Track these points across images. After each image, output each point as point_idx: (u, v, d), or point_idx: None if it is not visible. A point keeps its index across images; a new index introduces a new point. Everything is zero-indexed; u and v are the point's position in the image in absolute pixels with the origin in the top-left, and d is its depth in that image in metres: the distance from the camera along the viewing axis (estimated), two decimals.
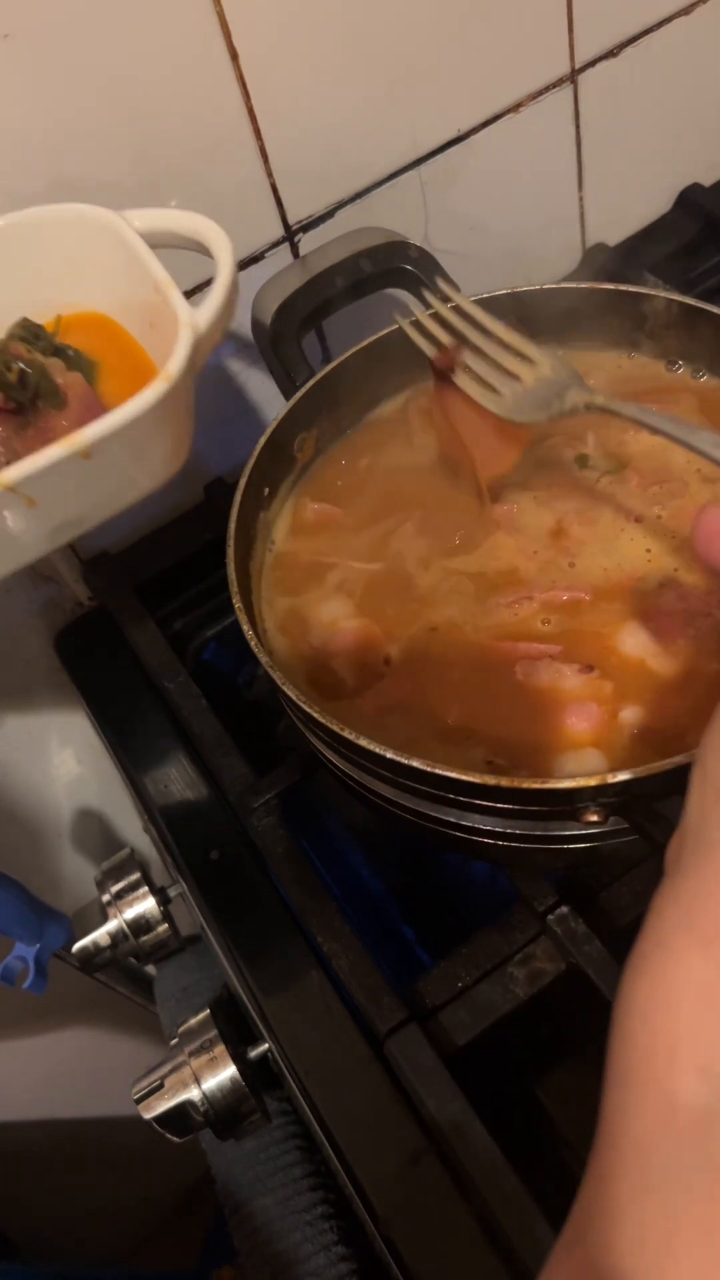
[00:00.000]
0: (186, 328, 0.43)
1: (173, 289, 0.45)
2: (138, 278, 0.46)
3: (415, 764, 0.40)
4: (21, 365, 0.45)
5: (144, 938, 0.64)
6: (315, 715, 0.43)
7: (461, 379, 0.49)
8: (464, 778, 0.39)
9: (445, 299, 0.52)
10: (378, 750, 0.41)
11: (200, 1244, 1.27)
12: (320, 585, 0.53)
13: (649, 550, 0.49)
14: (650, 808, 0.38)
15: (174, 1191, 1.27)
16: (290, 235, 0.62)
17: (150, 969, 0.81)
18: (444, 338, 0.50)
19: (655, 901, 0.22)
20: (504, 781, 0.39)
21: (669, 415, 0.42)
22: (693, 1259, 0.18)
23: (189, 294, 0.45)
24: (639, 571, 0.48)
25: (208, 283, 0.47)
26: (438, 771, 0.40)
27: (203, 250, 0.48)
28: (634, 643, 0.46)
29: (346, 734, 0.42)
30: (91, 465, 0.42)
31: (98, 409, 0.43)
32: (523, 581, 0.50)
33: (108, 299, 0.50)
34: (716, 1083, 0.19)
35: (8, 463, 0.42)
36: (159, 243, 0.47)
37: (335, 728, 0.42)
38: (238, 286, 0.46)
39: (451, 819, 0.44)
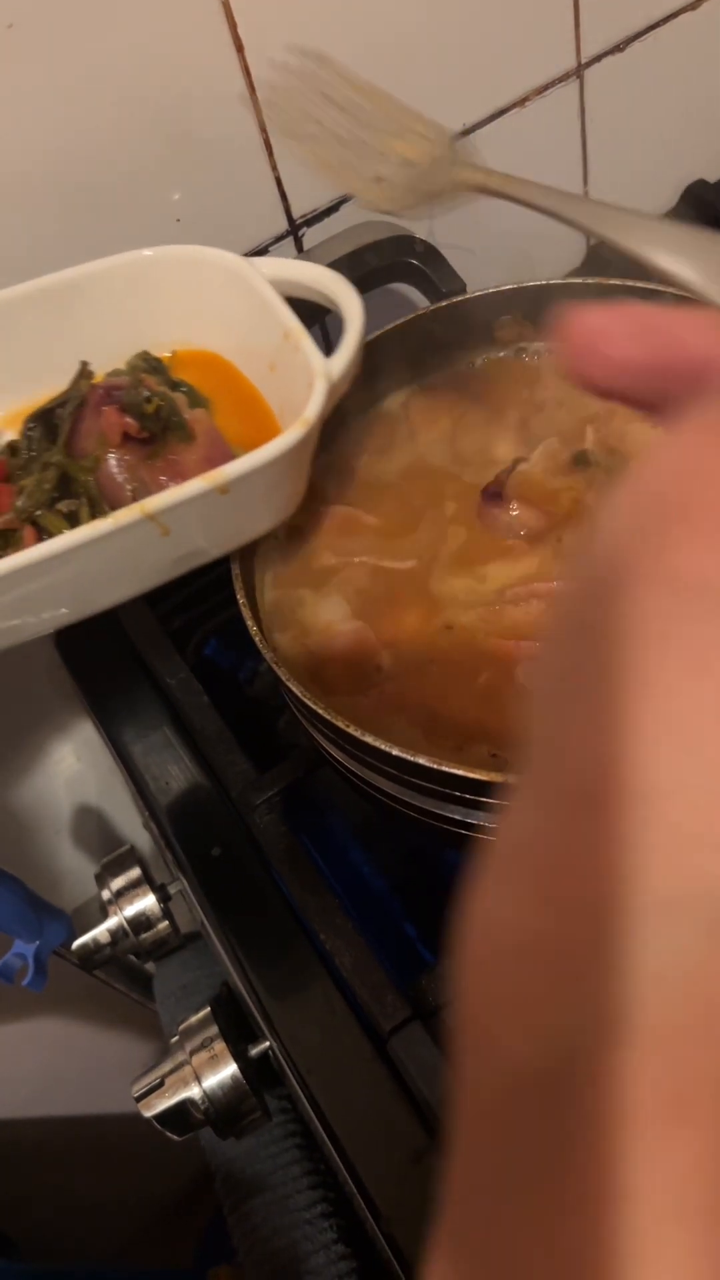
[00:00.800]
0: (322, 377, 0.45)
1: (305, 338, 0.47)
2: (265, 325, 0.48)
3: (421, 761, 0.40)
4: (158, 398, 0.47)
5: (144, 935, 0.64)
6: (320, 711, 0.42)
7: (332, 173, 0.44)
8: (469, 774, 0.39)
9: None
10: (383, 747, 0.41)
11: (197, 1243, 1.27)
12: (322, 583, 0.52)
13: None
14: None
15: (171, 1190, 1.27)
16: (294, 229, 0.62)
17: (150, 967, 0.81)
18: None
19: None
20: (510, 778, 0.38)
21: (569, 195, 0.37)
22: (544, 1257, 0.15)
23: None
24: None
25: None
26: (443, 768, 0.39)
27: (329, 304, 0.49)
28: None
29: (351, 730, 0.41)
30: (226, 501, 0.43)
31: (222, 445, 0.45)
32: (526, 579, 0.49)
33: (226, 341, 0.52)
34: (559, 1041, 0.15)
35: (133, 490, 0.44)
36: (283, 291, 0.49)
37: (340, 724, 0.42)
38: (364, 342, 0.48)
39: (457, 816, 0.44)
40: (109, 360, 0.50)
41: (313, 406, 0.44)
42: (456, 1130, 0.17)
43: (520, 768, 0.18)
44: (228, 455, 0.46)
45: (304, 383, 0.45)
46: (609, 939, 0.15)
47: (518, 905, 0.16)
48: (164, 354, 0.51)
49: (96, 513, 0.45)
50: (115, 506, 0.45)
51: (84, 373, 0.49)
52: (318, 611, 0.51)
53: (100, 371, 0.50)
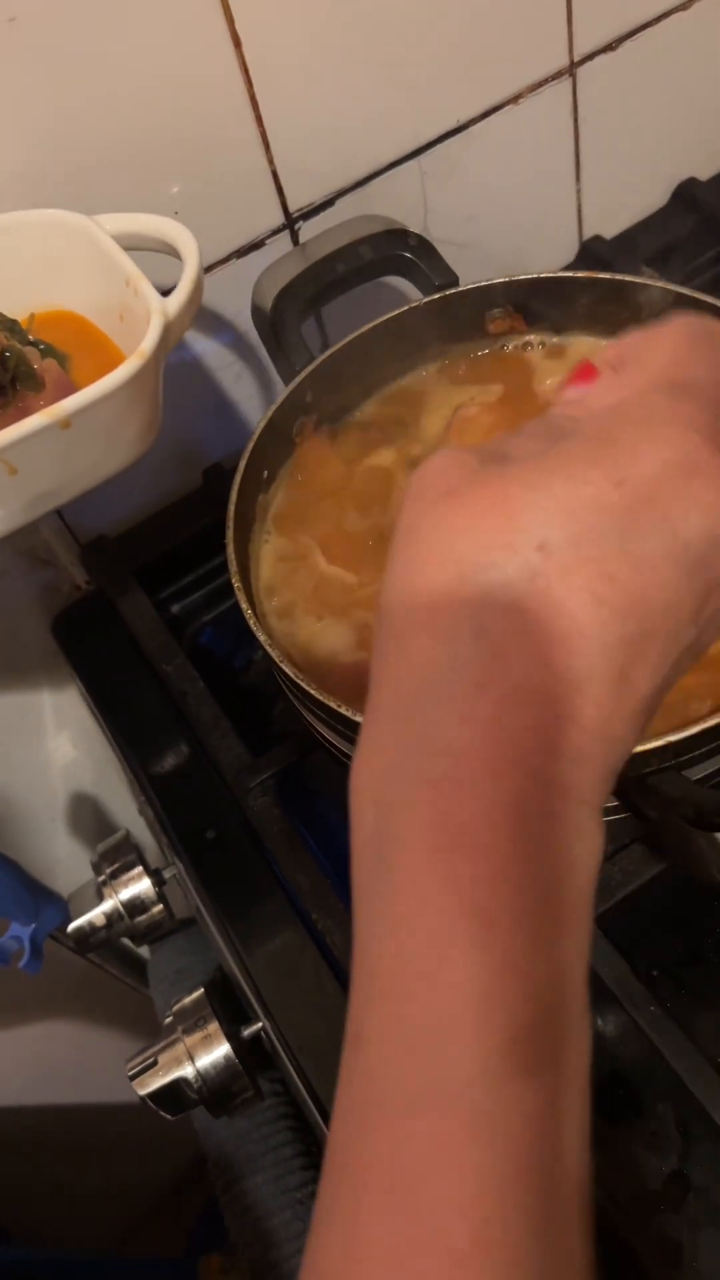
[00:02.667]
0: (158, 313, 0.47)
1: (143, 280, 0.48)
2: (109, 276, 0.50)
3: None
4: (2, 349, 0.48)
5: (139, 918, 0.65)
6: (312, 692, 0.43)
7: None
8: None
9: None
10: None
11: (188, 1232, 1.27)
12: (320, 609, 0.53)
13: None
14: (642, 783, 0.39)
15: (163, 1179, 1.27)
16: (291, 223, 0.63)
17: (144, 951, 0.81)
18: None
19: None
20: None
21: None
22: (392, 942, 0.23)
23: (164, 293, 0.49)
24: None
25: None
26: None
27: (170, 250, 0.51)
28: None
29: (344, 710, 0.42)
30: (70, 436, 0.45)
31: (72, 392, 0.46)
32: None
33: (79, 297, 0.53)
34: (381, 810, 0.24)
35: None
36: (129, 244, 0.51)
37: (333, 704, 0.43)
38: (203, 279, 0.49)
39: None
40: None
41: (149, 339, 0.46)
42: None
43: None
44: None
45: (146, 325, 0.47)
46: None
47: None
48: (22, 316, 0.52)
49: None
50: None
51: None
52: (319, 641, 0.51)
53: None
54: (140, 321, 0.48)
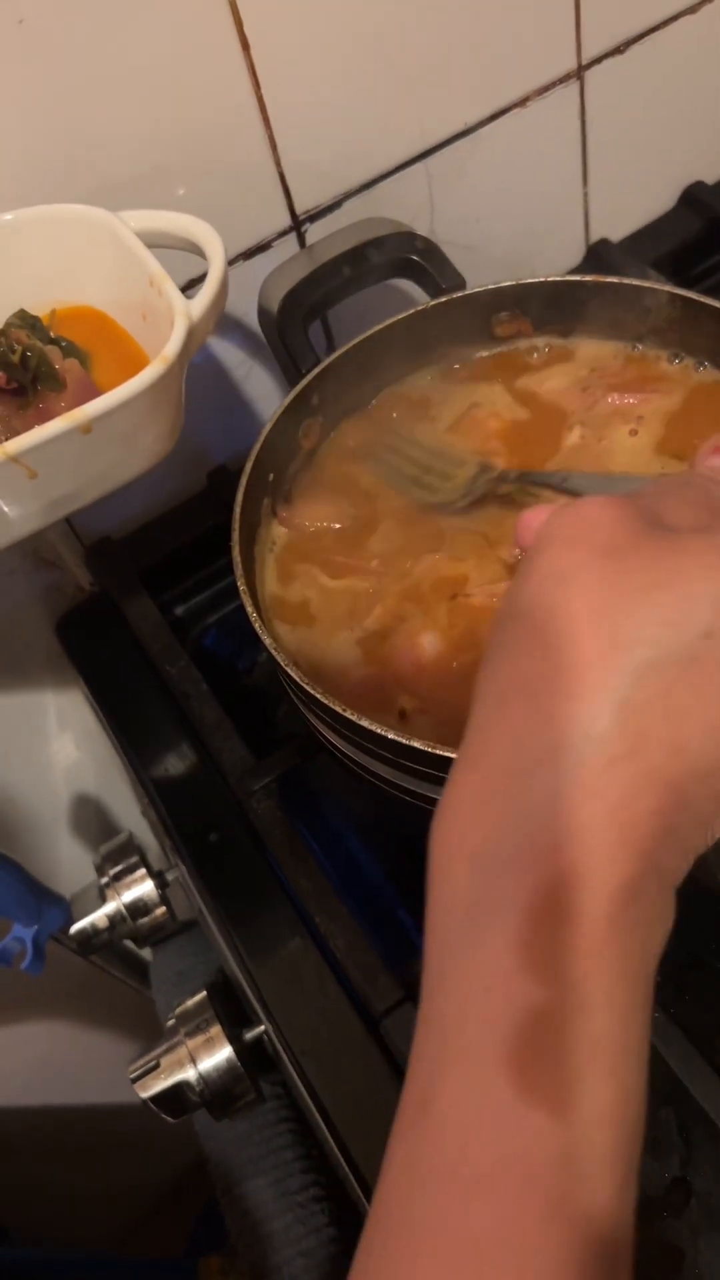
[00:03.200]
0: (182, 316, 0.46)
1: (167, 281, 0.47)
2: (132, 273, 0.49)
3: (415, 744, 0.41)
4: (24, 348, 0.47)
5: (141, 920, 0.65)
6: (317, 695, 0.43)
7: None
8: None
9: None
10: (378, 730, 0.41)
11: (188, 1233, 1.27)
12: (329, 621, 0.52)
13: None
14: None
15: (163, 1180, 1.27)
16: (297, 225, 0.63)
17: (146, 953, 0.81)
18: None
19: None
20: None
21: (572, 474, 0.48)
22: (474, 1004, 0.23)
23: (184, 290, 0.48)
24: None
25: (201, 278, 0.50)
26: (437, 751, 0.40)
27: (195, 249, 0.50)
28: None
29: (348, 714, 0.42)
30: (90, 440, 0.44)
31: (94, 392, 0.46)
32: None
33: (101, 294, 0.53)
34: (479, 870, 0.24)
35: (7, 440, 0.44)
36: (153, 242, 0.50)
37: (337, 708, 0.42)
38: (228, 280, 0.49)
39: None
40: None
41: (172, 344, 0.45)
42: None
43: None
44: None
45: (170, 326, 0.46)
46: (570, 699, 0.24)
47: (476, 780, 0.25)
48: (43, 313, 0.51)
49: None
50: None
51: None
52: (328, 653, 0.51)
53: None
54: (163, 321, 0.47)
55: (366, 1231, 0.23)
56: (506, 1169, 0.21)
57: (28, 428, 0.44)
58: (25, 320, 0.50)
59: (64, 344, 0.50)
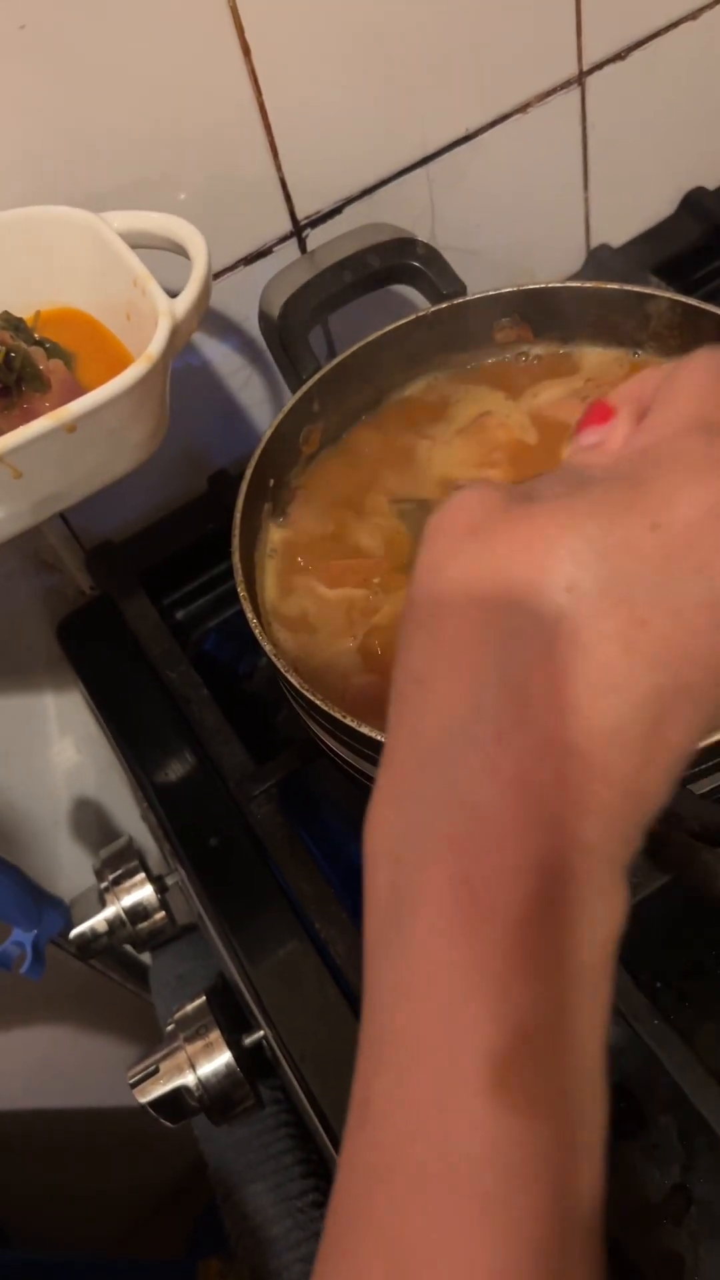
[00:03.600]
0: (165, 315, 0.46)
1: (151, 281, 0.48)
2: (116, 274, 0.50)
3: None
4: (8, 350, 0.47)
5: (141, 925, 0.65)
6: (317, 702, 0.43)
7: None
8: None
9: None
10: (376, 736, 0.41)
11: (188, 1235, 1.27)
12: (331, 627, 0.52)
13: None
14: None
15: (163, 1182, 1.27)
16: (299, 230, 0.63)
17: (146, 958, 0.81)
18: None
19: None
20: None
21: None
22: (407, 1008, 0.22)
23: (173, 295, 0.49)
24: None
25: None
26: None
27: (179, 249, 0.50)
28: None
29: (348, 720, 0.42)
30: (75, 439, 0.44)
31: (79, 393, 0.46)
32: None
33: (85, 295, 0.53)
34: (397, 867, 0.23)
35: None
36: (137, 242, 0.50)
37: (336, 714, 0.42)
38: (211, 280, 0.49)
39: None
40: None
41: (156, 343, 0.45)
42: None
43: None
44: None
45: (153, 325, 0.46)
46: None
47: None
48: (28, 314, 0.52)
49: None
50: None
51: None
52: (328, 660, 0.51)
53: None
54: (147, 321, 0.47)
55: (326, 1226, 0.23)
56: (443, 1167, 0.21)
57: (12, 429, 0.44)
58: (9, 322, 0.50)
59: (49, 345, 0.50)
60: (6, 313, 0.50)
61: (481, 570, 0.24)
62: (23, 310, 0.51)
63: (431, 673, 0.24)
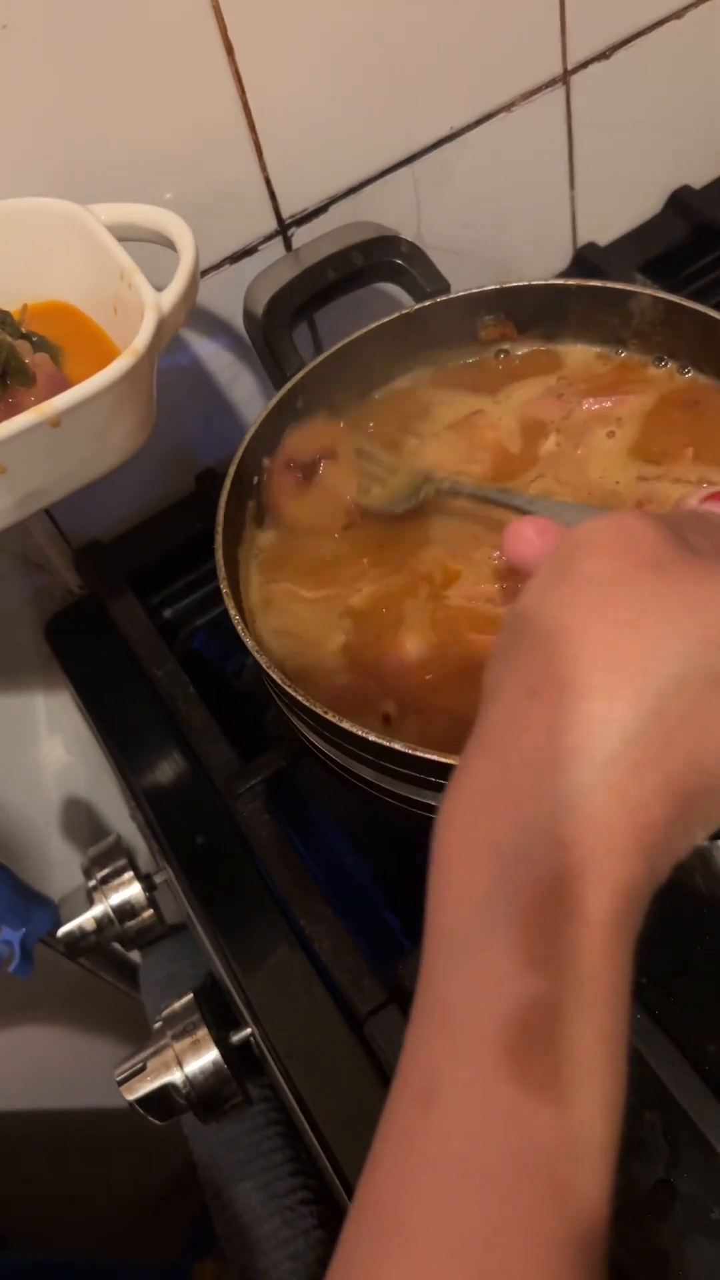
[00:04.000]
0: (152, 308, 0.46)
1: (138, 274, 0.48)
2: (103, 267, 0.49)
3: (396, 746, 0.41)
4: None
5: (129, 923, 0.65)
6: (299, 698, 0.43)
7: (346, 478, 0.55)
8: (444, 759, 0.40)
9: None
10: (359, 733, 0.41)
11: (183, 1236, 1.27)
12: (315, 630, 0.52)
13: None
14: None
15: (158, 1184, 1.27)
16: (284, 229, 0.63)
17: (136, 956, 0.81)
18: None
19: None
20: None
21: (504, 489, 0.49)
22: (486, 1009, 0.23)
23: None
24: None
25: None
26: (418, 754, 0.40)
27: (165, 242, 0.50)
28: None
29: (330, 716, 0.42)
30: (60, 434, 0.44)
31: (65, 387, 0.46)
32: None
33: (72, 288, 0.53)
34: (494, 859, 0.24)
35: None
36: (124, 235, 0.50)
37: (319, 710, 0.43)
38: (198, 274, 0.49)
39: (433, 801, 0.45)
40: None
41: (141, 336, 0.45)
42: (425, 946, 0.25)
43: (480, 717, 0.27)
44: None
45: (140, 319, 0.46)
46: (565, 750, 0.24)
47: (487, 770, 0.26)
48: (14, 308, 0.51)
49: None
50: None
51: None
52: (312, 660, 0.51)
53: None
54: (134, 314, 0.47)
55: (350, 1226, 0.24)
56: (510, 1162, 0.22)
57: None
58: None
59: (35, 339, 0.50)
60: None
61: (661, 605, 0.25)
62: (10, 303, 0.51)
63: (579, 681, 0.24)
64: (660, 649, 0.24)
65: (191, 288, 0.48)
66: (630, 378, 0.56)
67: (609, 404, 0.54)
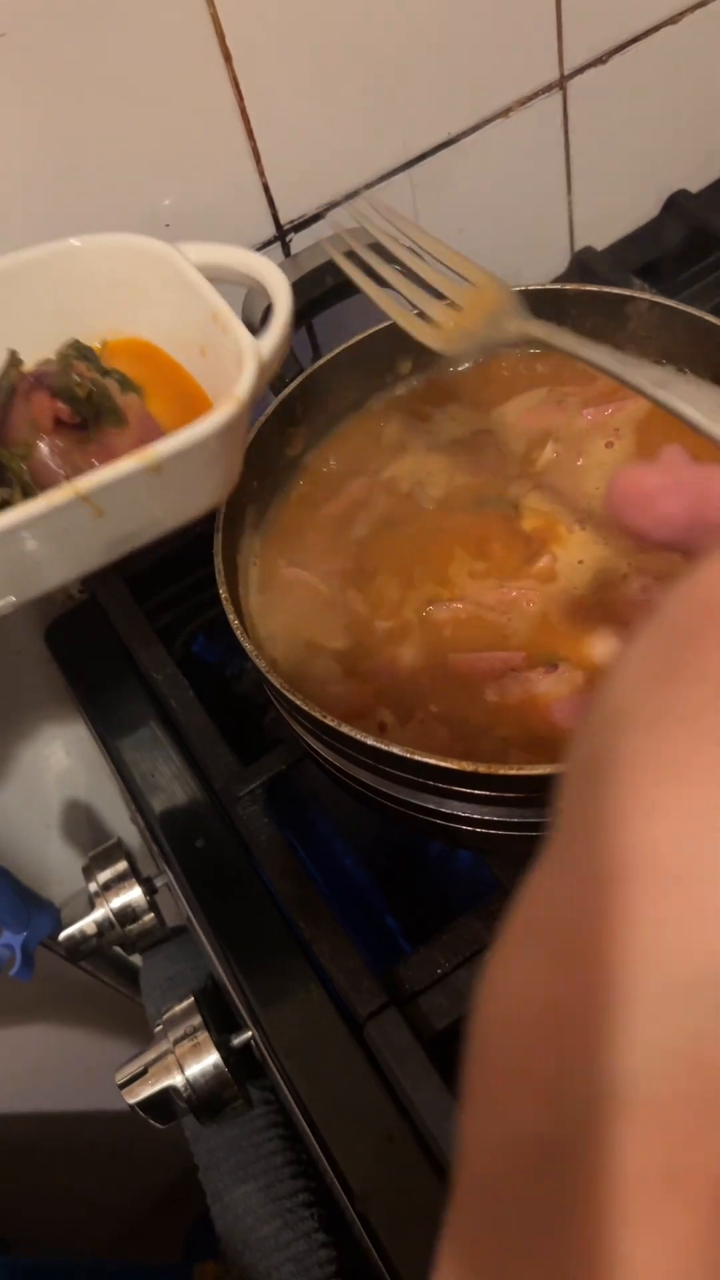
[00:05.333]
0: (252, 356, 0.45)
1: (233, 319, 0.47)
2: (192, 308, 0.49)
3: (394, 750, 0.41)
4: (88, 381, 0.46)
5: (130, 926, 0.65)
6: (298, 702, 0.43)
7: (390, 305, 0.48)
8: (441, 764, 0.40)
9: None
10: (358, 737, 0.42)
11: (184, 1238, 1.27)
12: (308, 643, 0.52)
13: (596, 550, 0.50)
14: None
15: (159, 1185, 1.27)
16: (282, 235, 0.63)
17: (136, 959, 0.81)
18: (379, 265, 0.49)
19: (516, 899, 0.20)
20: (480, 768, 0.39)
21: (607, 349, 0.39)
22: None
23: None
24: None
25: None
26: (416, 758, 0.40)
27: (256, 286, 0.50)
28: (604, 647, 0.47)
29: (329, 720, 0.43)
30: (159, 480, 0.43)
31: (155, 429, 0.45)
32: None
33: (155, 327, 0.52)
34: (563, 1109, 0.17)
35: (67, 476, 0.44)
36: (212, 276, 0.49)
37: (317, 714, 0.43)
38: (293, 321, 0.48)
39: (431, 805, 0.45)
40: (39, 350, 0.50)
41: (243, 384, 0.44)
42: (460, 1184, 0.18)
43: (549, 838, 0.20)
44: (161, 438, 0.45)
45: (234, 364, 0.45)
46: (618, 1011, 0.16)
47: (534, 974, 0.18)
48: (95, 343, 0.51)
49: (30, 499, 0.44)
50: None
51: (13, 361, 0.49)
52: (310, 667, 0.51)
53: (30, 362, 0.50)
54: (225, 359, 0.46)
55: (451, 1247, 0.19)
56: None
57: (88, 463, 0.43)
58: (80, 351, 0.49)
59: (118, 377, 0.49)
60: (76, 341, 0.49)
61: None
62: (89, 339, 0.50)
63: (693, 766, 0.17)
64: None
65: (288, 334, 0.47)
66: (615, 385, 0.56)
67: (609, 411, 0.54)
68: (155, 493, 0.44)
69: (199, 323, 0.48)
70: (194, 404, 0.44)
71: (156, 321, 0.51)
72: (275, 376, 0.48)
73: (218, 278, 0.50)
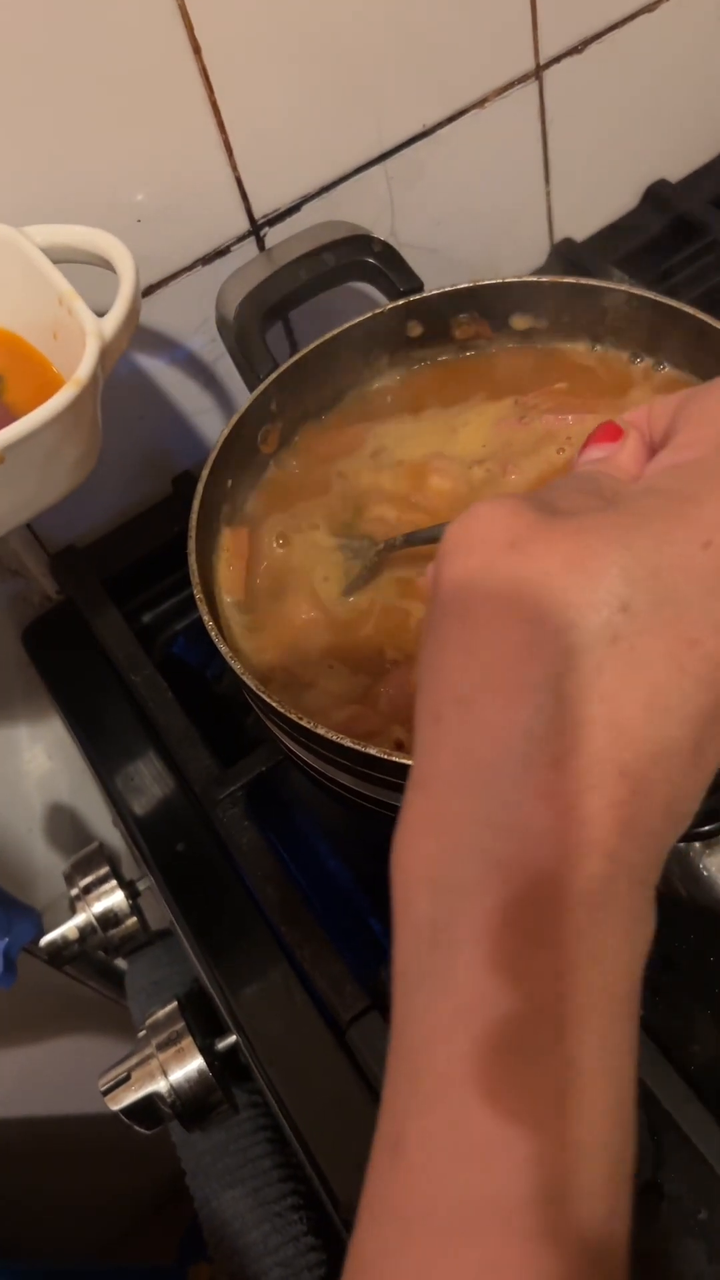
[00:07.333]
0: (93, 336, 0.45)
1: (76, 299, 0.46)
2: (40, 291, 0.48)
3: (372, 751, 0.40)
4: None
5: (112, 931, 0.64)
6: (274, 705, 0.43)
7: None
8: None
9: None
10: (334, 739, 0.41)
11: (178, 1240, 1.27)
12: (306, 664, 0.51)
13: None
14: None
15: (152, 1188, 1.27)
16: (256, 229, 0.62)
17: (121, 963, 0.81)
18: None
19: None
20: None
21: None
22: (429, 1053, 0.22)
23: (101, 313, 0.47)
24: None
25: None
26: (394, 759, 0.40)
27: (104, 264, 0.49)
28: None
29: (305, 723, 0.42)
30: (4, 470, 0.42)
31: (8, 418, 0.44)
32: None
33: (11, 314, 0.51)
34: (438, 895, 0.23)
35: None
36: (60, 257, 0.49)
37: (294, 717, 0.42)
38: (140, 297, 0.48)
39: None
40: None
41: (84, 366, 0.43)
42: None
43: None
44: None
45: (81, 345, 0.45)
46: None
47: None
48: None
49: None
50: None
51: None
52: (307, 695, 0.50)
53: None
54: (75, 340, 0.45)
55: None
56: (486, 1209, 0.20)
57: None
58: None
59: None
60: None
61: (526, 586, 0.23)
62: None
63: (477, 690, 0.23)
64: (539, 631, 0.22)
65: (134, 311, 0.47)
66: (607, 374, 0.55)
67: (570, 420, 0.53)
68: (4, 481, 0.43)
69: (48, 306, 0.47)
70: (53, 388, 0.43)
71: (9, 308, 0.50)
72: (121, 352, 0.47)
73: (66, 258, 0.49)
